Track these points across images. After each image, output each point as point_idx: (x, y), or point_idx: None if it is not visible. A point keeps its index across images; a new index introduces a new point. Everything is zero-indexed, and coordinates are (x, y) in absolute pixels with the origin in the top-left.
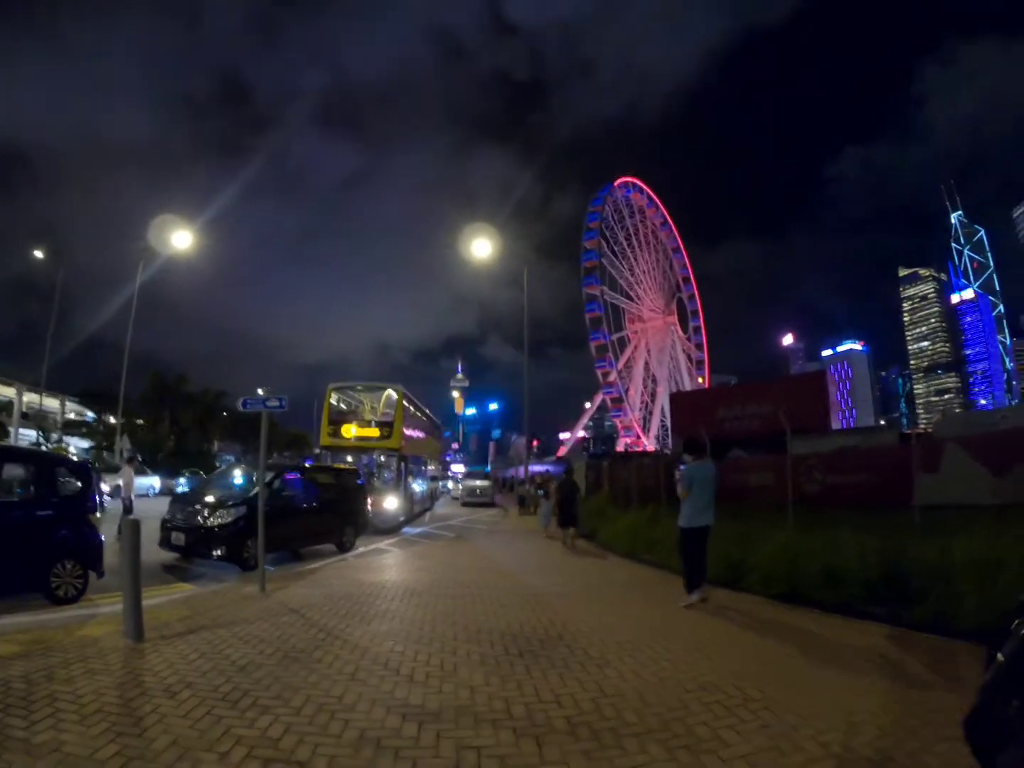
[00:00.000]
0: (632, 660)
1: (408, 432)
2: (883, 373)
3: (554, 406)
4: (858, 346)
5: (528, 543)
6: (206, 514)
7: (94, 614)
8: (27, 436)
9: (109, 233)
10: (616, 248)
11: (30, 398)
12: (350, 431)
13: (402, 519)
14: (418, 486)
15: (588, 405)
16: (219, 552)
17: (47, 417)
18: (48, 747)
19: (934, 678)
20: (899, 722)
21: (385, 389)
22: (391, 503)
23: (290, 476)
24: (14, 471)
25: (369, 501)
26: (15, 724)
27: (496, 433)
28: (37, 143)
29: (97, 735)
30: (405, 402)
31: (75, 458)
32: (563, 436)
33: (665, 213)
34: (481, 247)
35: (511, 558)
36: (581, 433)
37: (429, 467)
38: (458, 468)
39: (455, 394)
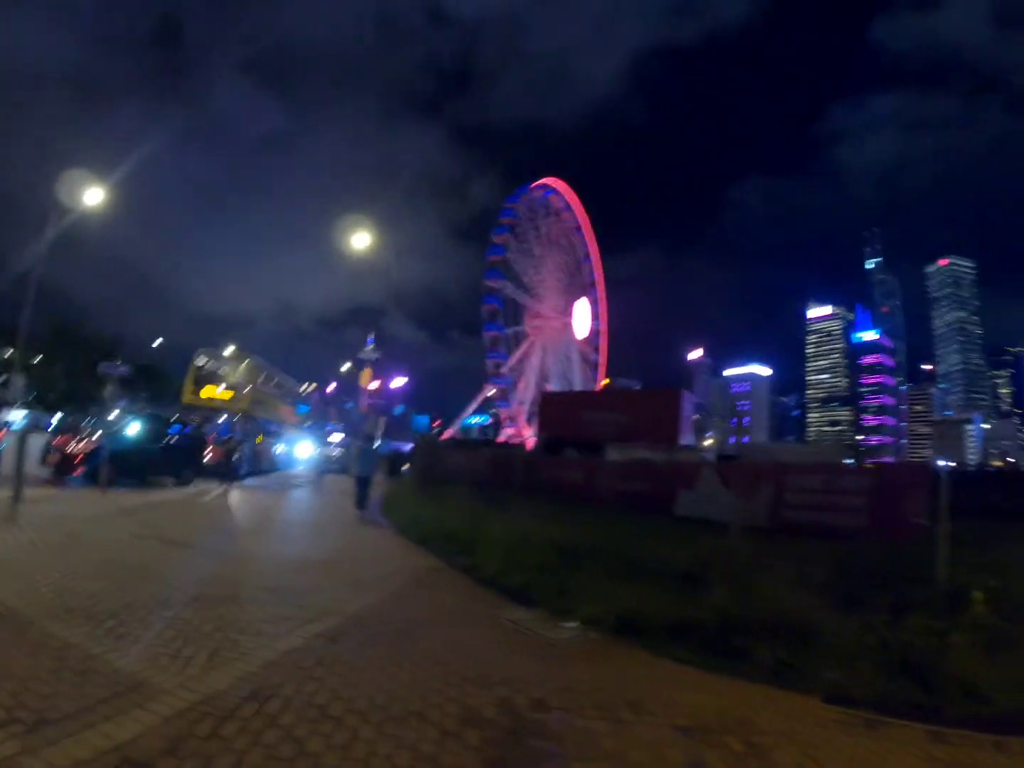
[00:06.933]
0: (266, 538)
1: (257, 398)
2: (783, 398)
3: (459, 386)
4: (763, 370)
5: (308, 494)
6: (75, 445)
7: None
8: None
9: (28, 157)
10: (525, 246)
11: None
12: (209, 391)
13: (242, 471)
14: (271, 447)
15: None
16: (82, 472)
17: None
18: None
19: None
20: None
21: (243, 359)
22: (231, 455)
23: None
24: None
25: (211, 451)
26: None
27: (398, 409)
28: None
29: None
30: (258, 372)
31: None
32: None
33: (580, 218)
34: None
35: (286, 500)
36: (475, 419)
37: (289, 432)
38: (337, 438)
39: (346, 366)
